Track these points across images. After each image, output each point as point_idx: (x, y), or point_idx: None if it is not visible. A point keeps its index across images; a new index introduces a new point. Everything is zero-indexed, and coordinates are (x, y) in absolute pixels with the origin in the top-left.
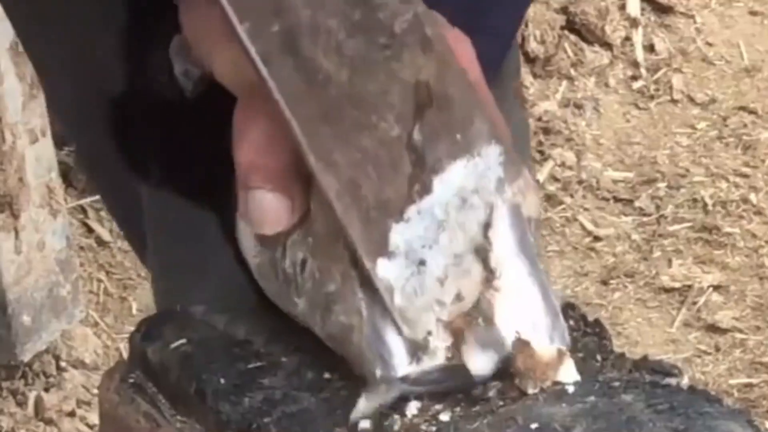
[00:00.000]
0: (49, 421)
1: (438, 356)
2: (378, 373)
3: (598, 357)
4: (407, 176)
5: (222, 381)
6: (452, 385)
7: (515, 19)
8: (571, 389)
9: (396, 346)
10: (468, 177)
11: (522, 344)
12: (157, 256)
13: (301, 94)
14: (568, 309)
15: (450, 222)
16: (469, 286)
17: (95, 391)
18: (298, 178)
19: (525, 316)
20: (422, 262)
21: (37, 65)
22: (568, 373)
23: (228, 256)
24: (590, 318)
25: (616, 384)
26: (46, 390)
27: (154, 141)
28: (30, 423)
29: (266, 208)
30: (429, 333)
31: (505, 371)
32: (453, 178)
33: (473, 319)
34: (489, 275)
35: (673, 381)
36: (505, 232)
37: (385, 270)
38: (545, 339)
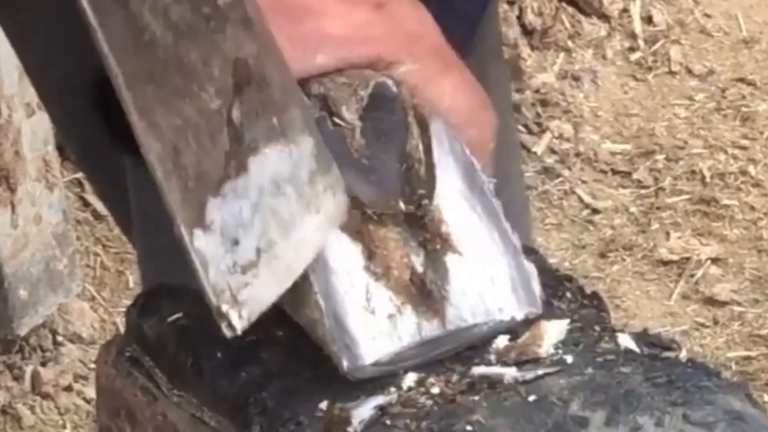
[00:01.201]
0: (45, 396)
1: (403, 337)
2: (345, 364)
3: (596, 328)
4: (225, 151)
5: (219, 355)
6: (438, 354)
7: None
8: (569, 360)
9: (359, 335)
10: (283, 163)
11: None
12: (143, 240)
13: (128, 49)
14: (565, 281)
15: (263, 206)
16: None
17: (92, 365)
18: None
19: (482, 273)
20: (235, 242)
21: (18, 45)
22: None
23: None
24: (588, 291)
25: (615, 356)
26: (43, 364)
27: None
28: (27, 397)
29: None
30: (390, 315)
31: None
32: (268, 162)
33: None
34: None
35: (671, 354)
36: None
37: (200, 242)
38: (509, 296)
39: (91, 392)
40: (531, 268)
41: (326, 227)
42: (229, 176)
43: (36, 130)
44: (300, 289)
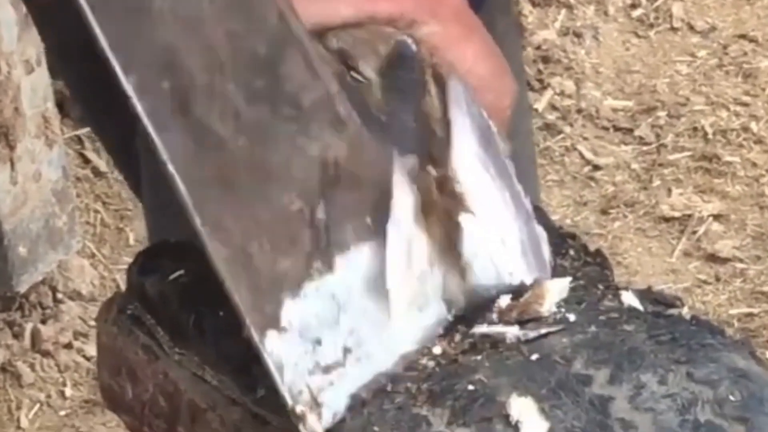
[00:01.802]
0: (45, 353)
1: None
2: None
3: (600, 286)
4: (306, 252)
5: (221, 314)
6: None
7: None
8: (572, 318)
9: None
10: (376, 261)
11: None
12: (150, 192)
13: (191, 155)
14: (568, 239)
15: (352, 305)
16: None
17: (92, 322)
18: None
19: (494, 235)
20: (318, 342)
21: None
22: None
23: None
24: (591, 248)
25: (618, 314)
26: (43, 322)
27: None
28: (26, 355)
29: None
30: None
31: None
32: (359, 261)
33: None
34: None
35: (675, 312)
36: None
37: (274, 344)
38: (519, 260)
39: (91, 350)
40: (541, 233)
41: (429, 327)
42: (311, 277)
43: (35, 87)
44: None
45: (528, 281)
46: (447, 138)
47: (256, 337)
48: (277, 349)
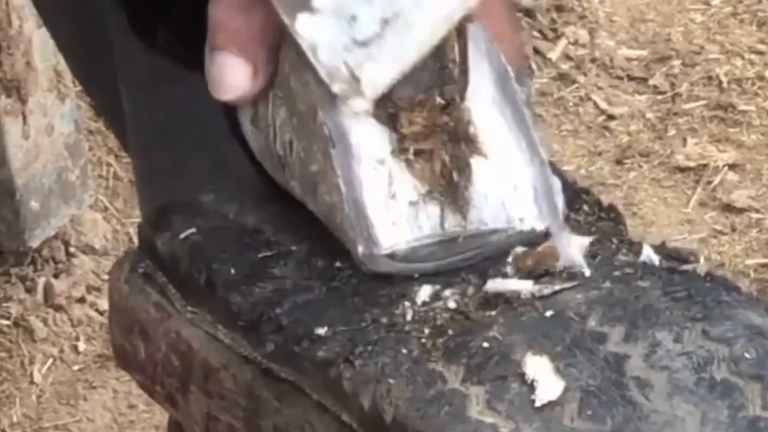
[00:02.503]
0: (58, 308)
1: (423, 227)
2: (360, 250)
3: (614, 240)
4: None
5: (232, 271)
6: (452, 260)
7: None
8: (587, 273)
9: (378, 219)
10: None
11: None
12: (138, 160)
13: None
14: (582, 194)
15: None
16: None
17: (105, 276)
18: (265, 47)
19: (506, 179)
20: (353, 18)
21: None
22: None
23: (209, 157)
24: (605, 203)
25: (632, 270)
26: (56, 276)
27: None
28: (39, 309)
29: (226, 72)
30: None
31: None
32: None
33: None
34: (465, 134)
35: (690, 267)
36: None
37: (305, 26)
38: (531, 206)
39: (104, 304)
40: (556, 183)
41: None
42: None
43: (47, 41)
44: (321, 172)
45: (539, 228)
46: (463, 79)
47: (287, 22)
48: (310, 30)
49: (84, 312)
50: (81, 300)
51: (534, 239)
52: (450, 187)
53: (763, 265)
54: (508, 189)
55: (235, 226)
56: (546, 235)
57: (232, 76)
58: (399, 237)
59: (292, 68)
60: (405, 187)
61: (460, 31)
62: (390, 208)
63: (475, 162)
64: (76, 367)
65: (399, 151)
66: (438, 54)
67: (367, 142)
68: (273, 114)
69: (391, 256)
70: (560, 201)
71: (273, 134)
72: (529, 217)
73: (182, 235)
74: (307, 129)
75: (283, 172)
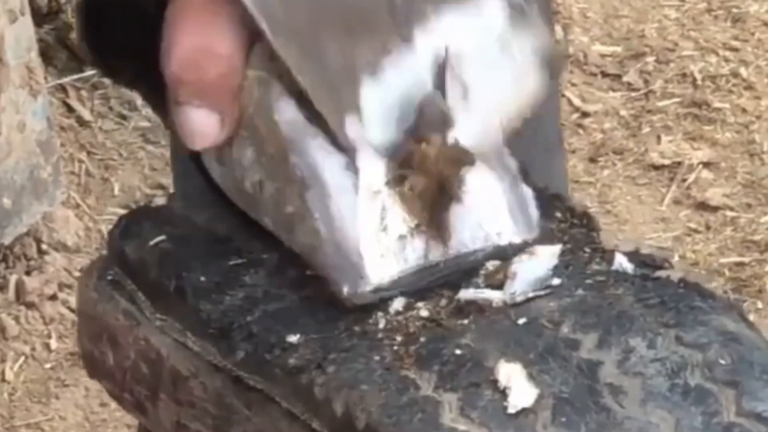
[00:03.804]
0: (30, 305)
1: (409, 259)
2: (345, 290)
3: (587, 249)
4: (383, 36)
5: (202, 279)
6: (430, 281)
7: None
8: (559, 281)
9: (368, 252)
10: (460, 30)
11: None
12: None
13: None
14: (555, 200)
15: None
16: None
17: (77, 273)
18: (226, 92)
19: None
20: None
21: None
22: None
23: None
24: (578, 209)
25: (605, 278)
26: (27, 273)
27: (128, 40)
28: (11, 307)
29: (194, 124)
30: (401, 237)
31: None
32: (440, 31)
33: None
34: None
35: (663, 274)
36: None
37: (354, 129)
38: (507, 220)
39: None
40: (528, 192)
41: (531, 65)
42: (389, 53)
43: (19, 37)
44: (297, 214)
45: (516, 241)
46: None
47: (333, 124)
48: (356, 133)
49: (56, 309)
50: (53, 297)
51: (511, 252)
52: (435, 216)
53: (738, 264)
54: (484, 207)
55: (205, 233)
56: (522, 247)
57: (201, 127)
58: (385, 271)
59: (257, 111)
60: (396, 220)
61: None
62: (380, 241)
63: (459, 187)
64: (48, 365)
65: (394, 181)
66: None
67: (370, 167)
68: (239, 153)
69: (375, 290)
70: (534, 212)
71: (241, 173)
72: (505, 231)
73: (152, 242)
74: (278, 170)
75: (255, 210)
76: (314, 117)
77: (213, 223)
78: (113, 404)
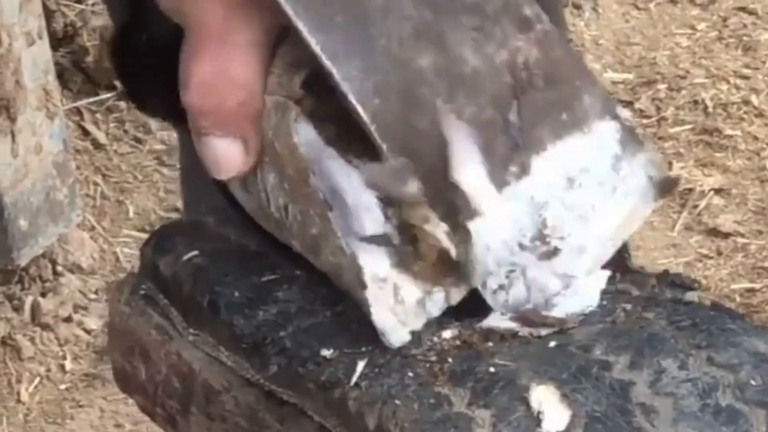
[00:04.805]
0: (45, 326)
1: (431, 311)
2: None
3: (617, 274)
4: (501, 158)
5: (236, 294)
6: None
7: None
8: (590, 308)
9: (386, 325)
10: (576, 156)
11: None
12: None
13: (374, 85)
14: None
15: (552, 203)
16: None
17: (92, 296)
18: (248, 120)
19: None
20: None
21: None
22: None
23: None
24: None
25: (636, 303)
26: (43, 295)
27: (156, 76)
28: (26, 328)
29: (219, 154)
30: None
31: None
32: (557, 158)
33: None
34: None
35: (694, 296)
36: None
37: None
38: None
39: (90, 323)
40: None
41: (640, 207)
42: (508, 183)
43: (36, 60)
44: (321, 235)
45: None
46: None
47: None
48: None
49: (71, 331)
50: (68, 319)
51: None
52: (451, 267)
53: (749, 290)
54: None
55: (238, 248)
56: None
57: (226, 156)
58: (407, 330)
59: (276, 135)
60: (411, 290)
61: None
62: (397, 313)
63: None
64: (62, 386)
65: (400, 258)
66: None
67: (371, 256)
68: (263, 179)
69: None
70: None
71: (266, 198)
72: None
73: (185, 257)
74: (300, 193)
75: (281, 232)
76: (333, 138)
77: (245, 238)
78: (128, 425)
